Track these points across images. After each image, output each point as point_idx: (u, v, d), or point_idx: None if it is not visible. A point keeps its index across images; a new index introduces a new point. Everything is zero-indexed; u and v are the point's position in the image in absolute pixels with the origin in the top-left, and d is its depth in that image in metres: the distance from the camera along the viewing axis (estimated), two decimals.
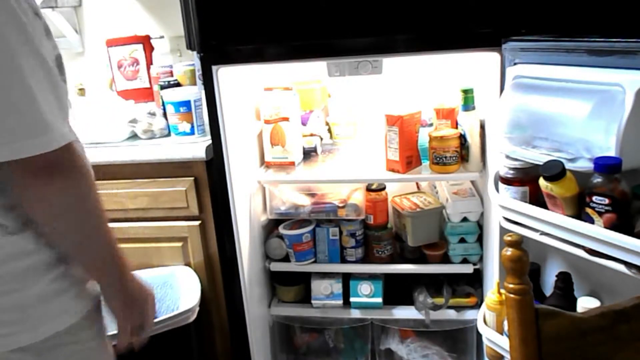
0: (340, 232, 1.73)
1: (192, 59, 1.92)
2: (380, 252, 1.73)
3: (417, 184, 1.86)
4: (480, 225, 1.68)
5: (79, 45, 2.23)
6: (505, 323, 1.07)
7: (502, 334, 1.22)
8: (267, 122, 1.68)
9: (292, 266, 1.76)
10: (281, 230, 1.74)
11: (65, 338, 0.81)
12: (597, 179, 0.95)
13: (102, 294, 0.87)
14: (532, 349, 0.79)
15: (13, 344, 0.77)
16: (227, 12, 1.37)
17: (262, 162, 1.75)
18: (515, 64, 1.20)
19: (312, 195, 1.75)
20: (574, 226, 1.00)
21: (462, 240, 1.67)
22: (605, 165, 0.94)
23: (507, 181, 1.18)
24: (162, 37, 2.12)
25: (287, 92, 1.69)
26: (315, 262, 1.76)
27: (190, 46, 1.47)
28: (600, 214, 0.96)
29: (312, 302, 1.77)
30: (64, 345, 0.81)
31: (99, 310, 0.89)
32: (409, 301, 1.74)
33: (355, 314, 1.77)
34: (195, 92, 1.73)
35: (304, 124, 1.82)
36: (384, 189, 1.72)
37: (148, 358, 1.53)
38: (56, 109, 0.73)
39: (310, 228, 1.73)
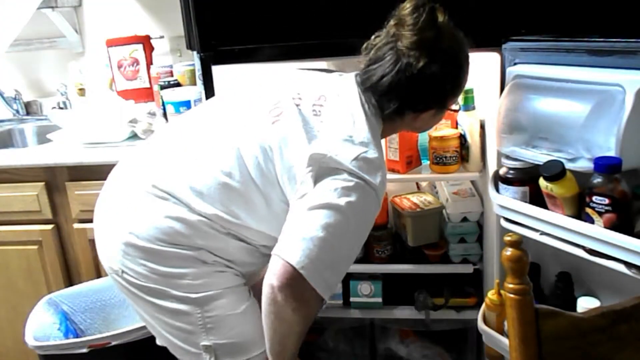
0: None
1: (192, 59, 1.92)
2: (380, 252, 1.72)
3: (417, 184, 1.86)
4: (480, 225, 1.68)
5: (79, 45, 2.23)
6: (505, 323, 1.07)
7: (502, 334, 1.22)
8: None
9: None
10: None
11: (217, 295, 1.07)
12: (597, 179, 0.95)
13: None
14: (532, 349, 0.79)
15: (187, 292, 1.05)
16: (227, 12, 1.37)
17: None
18: (515, 64, 1.20)
19: None
20: (574, 226, 1.00)
21: (462, 240, 1.67)
22: (605, 165, 0.94)
23: (507, 181, 1.18)
24: (162, 37, 2.12)
25: None
26: None
27: (190, 46, 1.47)
28: (600, 214, 0.96)
29: None
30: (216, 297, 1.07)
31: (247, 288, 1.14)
32: (409, 301, 1.74)
33: (355, 314, 1.77)
34: (195, 92, 1.74)
35: None
36: None
37: (148, 358, 1.53)
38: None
39: None
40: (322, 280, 0.95)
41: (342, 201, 0.95)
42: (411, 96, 1.05)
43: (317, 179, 0.97)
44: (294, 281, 0.93)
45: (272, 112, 1.06)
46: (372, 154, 1.00)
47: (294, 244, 0.95)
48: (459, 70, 1.07)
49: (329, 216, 0.95)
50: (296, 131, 1.02)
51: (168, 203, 1.03)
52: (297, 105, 1.05)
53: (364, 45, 1.09)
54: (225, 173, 1.03)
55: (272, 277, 0.95)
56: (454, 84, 1.08)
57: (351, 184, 0.97)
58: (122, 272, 1.07)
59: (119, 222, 1.08)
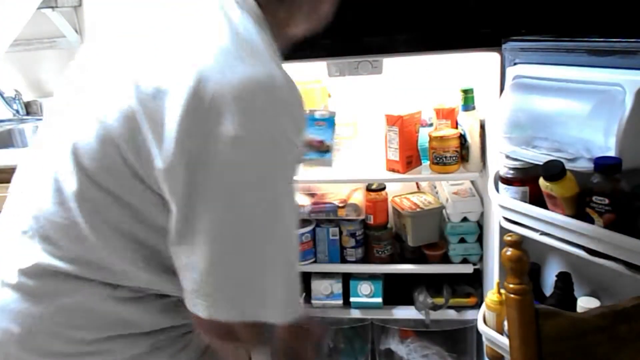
0: (340, 232, 1.73)
1: None
2: (380, 252, 1.72)
3: (417, 184, 1.86)
4: (480, 225, 1.68)
5: (79, 45, 2.23)
6: (505, 323, 1.07)
7: (502, 334, 1.22)
8: None
9: None
10: None
11: None
12: (597, 179, 0.95)
13: None
14: (532, 349, 0.79)
15: None
16: None
17: None
18: (515, 64, 1.20)
19: (312, 195, 1.75)
20: (574, 226, 1.00)
21: (462, 240, 1.67)
22: (605, 165, 0.94)
23: (507, 181, 1.18)
24: None
25: None
26: (315, 262, 1.76)
27: None
28: (600, 214, 0.95)
29: (312, 302, 1.77)
30: None
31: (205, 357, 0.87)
32: (409, 301, 1.74)
33: (355, 314, 1.77)
34: None
35: None
36: (384, 189, 1.72)
37: None
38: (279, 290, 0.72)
39: (310, 228, 1.72)
40: (242, 311, 0.70)
41: (222, 215, 0.65)
42: None
43: (183, 194, 0.65)
44: (207, 325, 0.71)
45: (97, 110, 0.71)
46: (253, 69, 0.65)
47: (189, 287, 0.69)
48: None
49: (215, 248, 0.66)
50: (133, 127, 0.67)
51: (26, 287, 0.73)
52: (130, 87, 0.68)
53: None
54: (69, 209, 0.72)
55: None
56: None
57: (235, 171, 0.64)
58: None
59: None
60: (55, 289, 0.73)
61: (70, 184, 0.71)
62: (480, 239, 1.67)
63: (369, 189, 1.72)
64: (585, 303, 1.11)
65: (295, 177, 0.71)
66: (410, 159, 1.57)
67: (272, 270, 0.70)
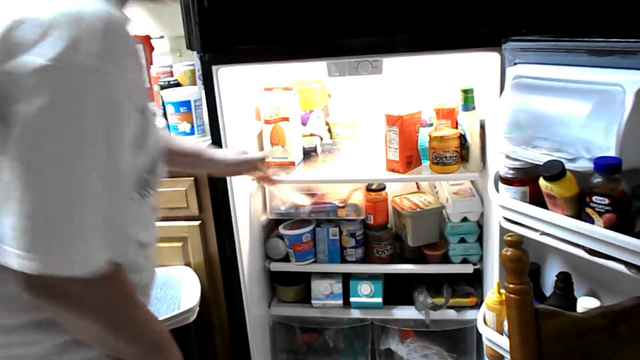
0: (340, 232, 1.73)
1: (192, 59, 1.92)
2: (380, 252, 1.73)
3: (417, 184, 1.86)
4: (480, 225, 1.68)
5: None
6: (505, 323, 1.07)
7: (502, 334, 1.22)
8: (267, 122, 1.68)
9: (292, 266, 1.76)
10: (281, 230, 1.74)
11: None
12: (597, 179, 0.95)
13: None
14: (532, 349, 0.79)
15: None
16: (227, 12, 1.37)
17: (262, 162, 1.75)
18: (515, 64, 1.20)
19: (312, 195, 1.75)
20: (574, 226, 1.00)
21: (462, 240, 1.67)
22: (605, 165, 0.94)
23: (507, 181, 1.18)
24: (162, 37, 2.12)
25: (287, 92, 1.69)
26: (315, 262, 1.76)
27: (190, 46, 1.47)
28: (600, 214, 0.95)
29: (312, 302, 1.77)
30: None
31: None
32: (409, 301, 1.74)
33: (355, 314, 1.77)
34: (195, 92, 1.73)
35: (304, 124, 1.82)
36: (384, 189, 1.72)
37: None
38: (100, 233, 0.66)
39: (310, 228, 1.73)
40: (62, 261, 0.64)
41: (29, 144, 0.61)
42: None
43: None
44: (28, 281, 0.64)
45: None
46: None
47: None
48: None
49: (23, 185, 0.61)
50: None
51: None
52: None
53: None
54: None
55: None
56: None
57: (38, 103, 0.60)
58: None
59: None
60: None
61: None
62: (480, 239, 1.67)
63: (369, 189, 1.72)
64: (585, 303, 1.11)
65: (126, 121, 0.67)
66: (410, 159, 1.57)
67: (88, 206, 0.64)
